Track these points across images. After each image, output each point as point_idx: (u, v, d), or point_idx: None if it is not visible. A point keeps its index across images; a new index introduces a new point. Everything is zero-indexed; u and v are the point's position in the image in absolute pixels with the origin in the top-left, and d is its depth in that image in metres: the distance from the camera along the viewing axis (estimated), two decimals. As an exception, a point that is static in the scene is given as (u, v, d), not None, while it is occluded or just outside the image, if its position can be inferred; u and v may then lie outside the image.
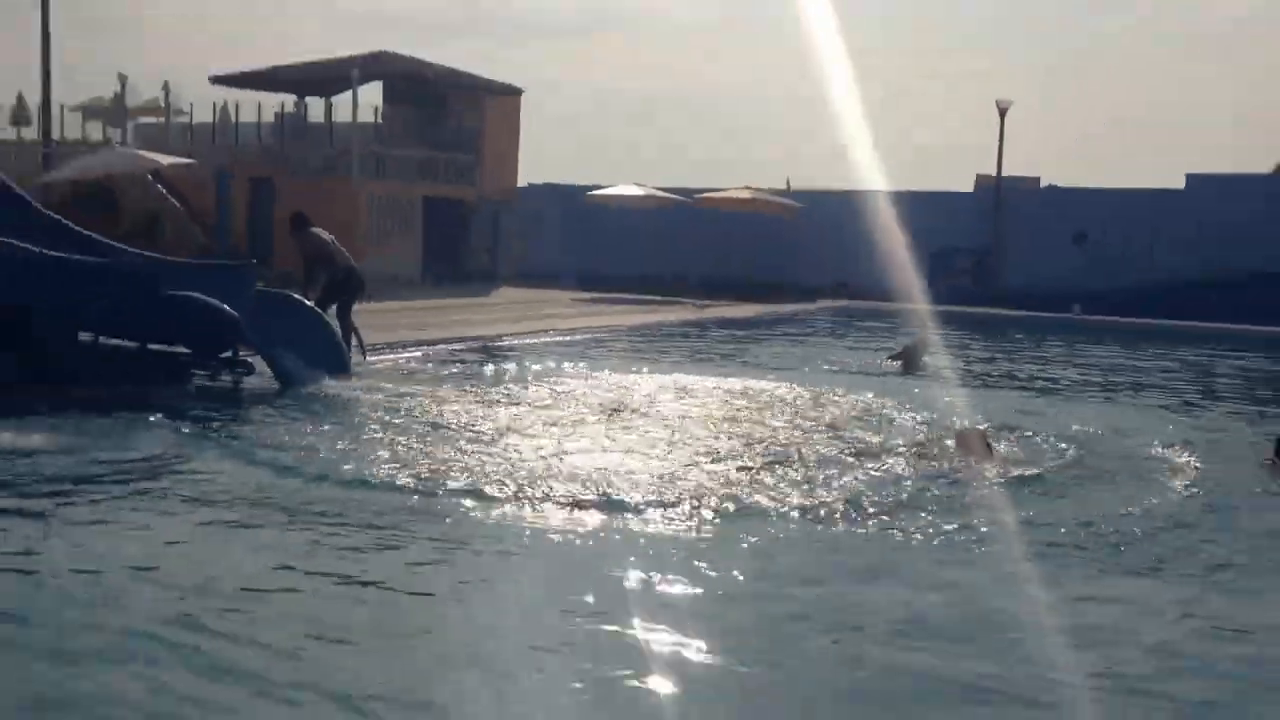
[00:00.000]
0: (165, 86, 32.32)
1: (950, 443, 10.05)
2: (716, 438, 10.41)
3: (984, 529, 7.62)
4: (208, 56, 73.74)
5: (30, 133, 31.34)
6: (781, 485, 8.56)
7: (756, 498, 8.18)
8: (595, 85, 75.22)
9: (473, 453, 9.37)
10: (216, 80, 33.02)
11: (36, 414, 9.99)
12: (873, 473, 9.09)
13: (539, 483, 8.37)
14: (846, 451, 9.90)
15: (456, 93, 32.76)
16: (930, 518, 7.79)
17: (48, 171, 26.19)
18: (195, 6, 71.27)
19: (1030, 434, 10.91)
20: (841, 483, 8.72)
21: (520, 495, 8.04)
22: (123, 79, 32.79)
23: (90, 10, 63.33)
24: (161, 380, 12.41)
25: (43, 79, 29.15)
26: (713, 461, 9.37)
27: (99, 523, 7.29)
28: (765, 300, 27.60)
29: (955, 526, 7.61)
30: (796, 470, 9.10)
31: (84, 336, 13.14)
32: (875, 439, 10.51)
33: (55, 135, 30.24)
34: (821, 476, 8.88)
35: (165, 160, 25.23)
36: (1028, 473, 9.27)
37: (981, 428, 10.53)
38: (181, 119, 32.35)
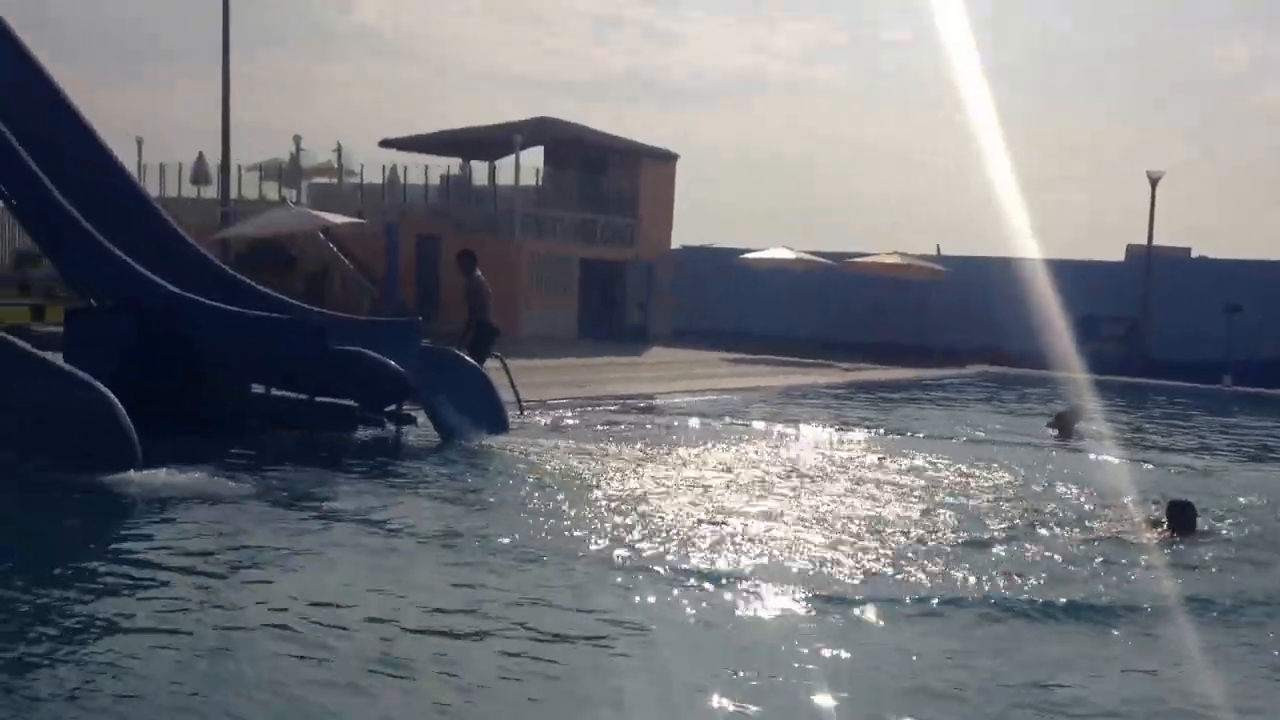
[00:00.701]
0: (338, 148, 33.70)
1: (1143, 518, 9.48)
2: (880, 506, 10.01)
3: (1171, 605, 7.09)
4: (378, 119, 76.98)
5: (210, 191, 32.94)
6: (955, 562, 8.12)
7: (931, 574, 7.76)
8: (749, 147, 75.64)
9: (629, 512, 9.20)
10: (386, 143, 34.22)
11: (212, 463, 10.25)
12: (1059, 549, 8.56)
13: (698, 548, 8.15)
14: (1023, 524, 9.40)
15: (615, 156, 33.23)
16: (1123, 596, 7.28)
17: (226, 228, 27.39)
18: (367, 72, 74.54)
19: (1201, 506, 10.25)
20: (1023, 558, 8.23)
21: (681, 561, 7.81)
22: (298, 141, 34.26)
23: (268, 75, 66.87)
24: (329, 431, 12.66)
25: (223, 140, 30.66)
26: (880, 534, 8.98)
27: (282, 565, 7.41)
28: (912, 364, 26.99)
29: (1148, 608, 7.10)
30: (970, 545, 8.64)
31: (256, 388, 13.53)
32: (1057, 510, 9.98)
33: (233, 194, 31.71)
34: (999, 554, 8.40)
35: (337, 219, 26.12)
36: (1209, 546, 8.71)
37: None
38: (353, 179, 33.58)
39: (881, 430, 15.48)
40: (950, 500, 10.40)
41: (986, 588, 7.48)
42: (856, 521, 9.34)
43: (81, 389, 9.82)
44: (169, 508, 8.79)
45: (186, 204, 31.63)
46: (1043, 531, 9.20)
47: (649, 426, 14.86)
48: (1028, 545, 8.71)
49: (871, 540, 8.72)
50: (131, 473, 9.43)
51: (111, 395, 9.80)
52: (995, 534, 9.07)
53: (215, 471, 9.92)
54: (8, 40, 13.97)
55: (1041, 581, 7.68)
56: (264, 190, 34.74)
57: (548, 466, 11.29)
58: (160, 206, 15.22)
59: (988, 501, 10.43)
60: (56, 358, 11.18)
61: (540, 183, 32.49)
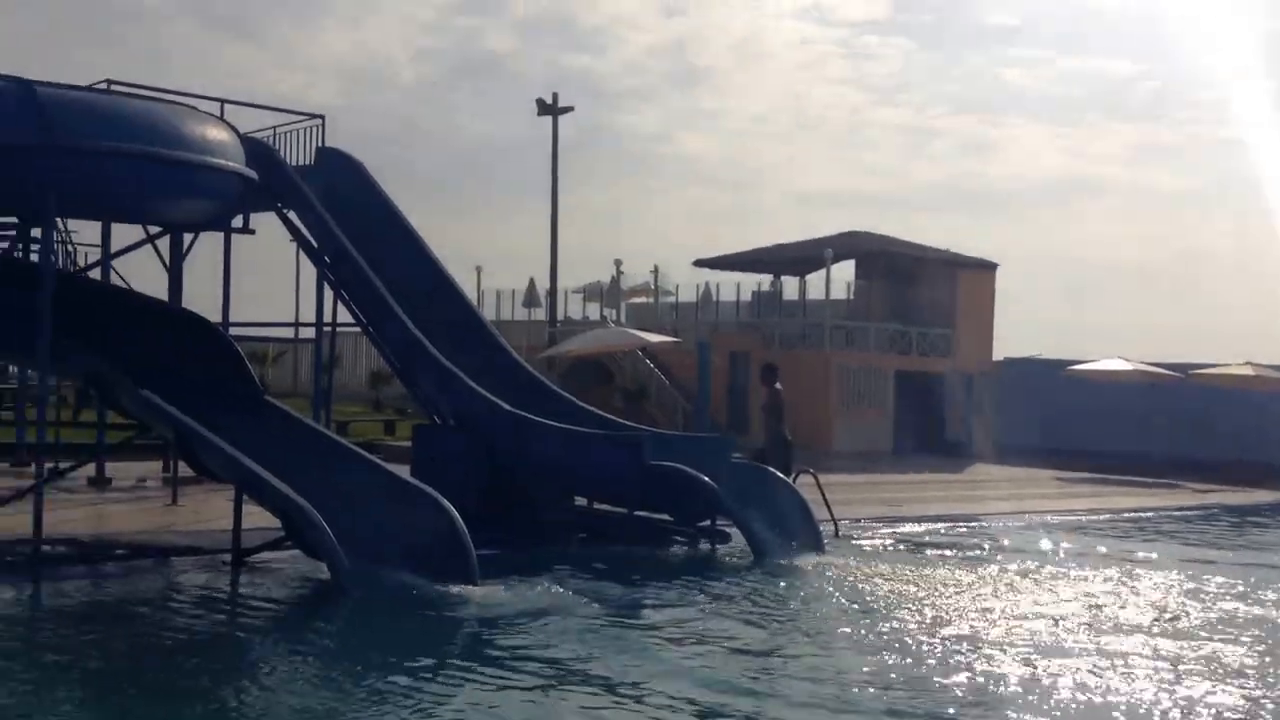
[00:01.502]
0: (654, 270, 35.03)
1: None
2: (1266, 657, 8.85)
3: None
4: (693, 240, 79.63)
5: (539, 313, 34.99)
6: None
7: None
8: (1073, 255, 72.40)
9: (961, 647, 8.67)
10: (700, 263, 35.25)
11: (540, 576, 10.65)
12: None
13: (1050, 698, 7.47)
14: None
15: (929, 267, 32.69)
16: None
17: (552, 347, 28.90)
18: (684, 197, 77.46)
19: None
20: None
21: (1026, 712, 7.22)
22: (618, 264, 35.93)
23: (593, 204, 70.72)
24: (645, 545, 12.89)
25: (550, 266, 32.65)
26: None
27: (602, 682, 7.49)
28: (1273, 486, 24.36)
29: None
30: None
31: (578, 501, 14.04)
32: None
33: (559, 315, 33.52)
34: None
35: (653, 338, 27.00)
36: None
37: None
38: (668, 299, 34.73)
39: (1260, 564, 13.81)
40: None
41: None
42: (1248, 674, 8.26)
43: (428, 505, 10.45)
44: (506, 621, 9.13)
45: (518, 326, 33.70)
46: None
47: (976, 551, 13.97)
48: None
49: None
50: (471, 587, 9.88)
51: (454, 511, 10.37)
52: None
53: (543, 584, 10.28)
54: (368, 186, 15.55)
55: None
56: (587, 311, 36.52)
57: (866, 590, 10.93)
58: (495, 330, 16.31)
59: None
60: (404, 471, 12.06)
61: (851, 296, 32.38)
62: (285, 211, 14.32)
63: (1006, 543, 14.63)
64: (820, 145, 76.72)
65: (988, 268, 33.48)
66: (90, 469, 14.91)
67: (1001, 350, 34.73)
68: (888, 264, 32.47)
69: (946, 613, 10.04)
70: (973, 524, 16.58)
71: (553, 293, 33.22)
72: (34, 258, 13.04)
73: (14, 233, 13.12)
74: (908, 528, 15.64)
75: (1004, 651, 8.57)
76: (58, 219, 12.33)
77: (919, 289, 32.54)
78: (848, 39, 76.84)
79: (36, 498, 10.31)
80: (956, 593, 10.97)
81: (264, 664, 7.88)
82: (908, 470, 24.40)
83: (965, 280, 32.67)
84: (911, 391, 30.88)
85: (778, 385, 15.65)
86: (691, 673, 7.83)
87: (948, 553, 13.65)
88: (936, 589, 11.08)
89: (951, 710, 7.18)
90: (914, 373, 31.06)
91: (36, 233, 11.69)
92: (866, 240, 32.69)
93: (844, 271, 33.25)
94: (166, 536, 11.73)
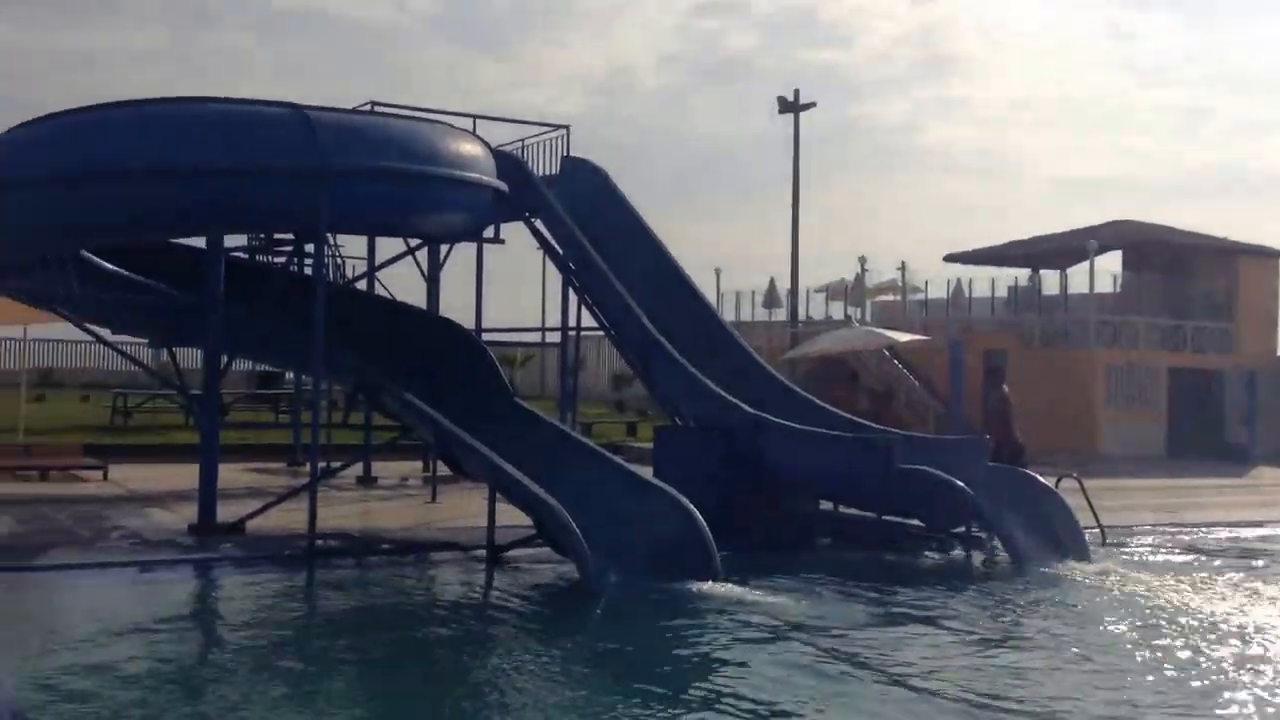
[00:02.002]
0: (901, 267, 34.09)
1: None
2: None
3: None
4: (942, 235, 77.32)
5: (780, 314, 34.71)
6: None
7: None
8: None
9: (1252, 671, 7.95)
10: (951, 258, 34.11)
11: (784, 577, 10.54)
12: None
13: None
14: None
15: (1204, 256, 30.50)
16: None
17: (794, 348, 28.61)
18: (933, 190, 75.33)
19: None
20: None
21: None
22: (862, 261, 35.17)
23: (835, 201, 69.78)
24: (895, 551, 12.53)
25: (792, 266, 32.34)
26: None
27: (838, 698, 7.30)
28: None
29: None
30: None
31: (824, 505, 13.79)
32: None
33: (801, 315, 33.17)
34: None
35: (901, 336, 26.29)
36: None
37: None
38: (916, 297, 33.77)
39: None
40: None
41: None
42: None
43: (670, 505, 10.56)
44: (745, 620, 9.05)
45: (759, 327, 33.58)
46: None
47: (1259, 561, 12.89)
48: None
49: None
50: (711, 584, 9.92)
51: (695, 511, 10.44)
52: None
53: (786, 587, 10.16)
54: (611, 193, 15.83)
55: None
56: (830, 310, 36.00)
57: (1133, 601, 10.24)
58: (735, 331, 16.27)
59: None
60: (646, 471, 12.19)
61: (1118, 288, 30.58)
62: (533, 220, 14.75)
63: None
64: (1081, 130, 73.07)
65: (1271, 256, 30.91)
66: (358, 468, 15.81)
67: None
68: (1158, 254, 30.49)
69: (1228, 628, 9.26)
70: (1256, 532, 15.29)
71: (794, 292, 32.91)
72: (308, 271, 14.01)
73: (290, 249, 14.08)
74: (1183, 535, 14.57)
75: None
76: (329, 234, 13.08)
77: (1194, 280, 30.42)
78: (1111, 17, 72.82)
79: (311, 495, 11.00)
80: (1238, 607, 10.11)
81: (517, 657, 8.09)
82: (1183, 474, 22.77)
83: (1246, 269, 30.30)
84: (1186, 390, 28.83)
85: (1005, 388, 15.07)
86: (962, 674, 7.52)
87: (1228, 563, 12.63)
88: (1215, 601, 10.25)
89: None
90: (1189, 370, 28.99)
91: (310, 248, 12.45)
92: (1134, 229, 30.81)
93: (1109, 263, 31.48)
94: (426, 532, 12.29)
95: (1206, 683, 7.62)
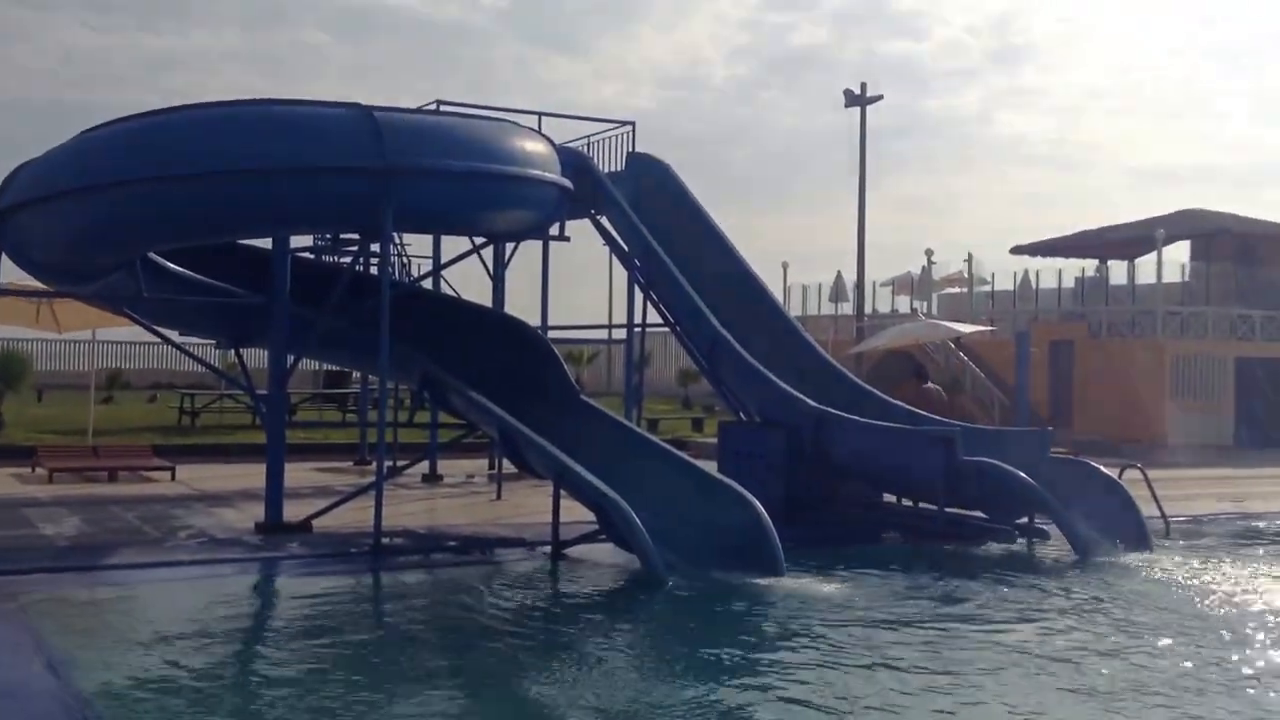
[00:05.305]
0: (968, 258, 33.78)
1: None
2: None
3: None
4: (1010, 227, 76.34)
5: (846, 308, 34.59)
6: None
7: None
8: None
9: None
10: (1018, 250, 33.77)
11: (848, 571, 10.63)
12: None
13: None
14: None
15: (1273, 245, 29.87)
16: None
17: (861, 342, 28.51)
18: (1002, 181, 74.40)
19: None
20: None
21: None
22: (929, 254, 34.90)
23: (901, 192, 69.24)
24: (959, 543, 12.50)
25: (858, 260, 32.21)
26: None
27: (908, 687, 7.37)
28: None
29: None
30: None
31: (887, 497, 13.80)
32: None
33: (867, 309, 33.01)
34: None
35: (967, 328, 26.11)
36: None
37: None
38: (983, 288, 33.46)
39: None
40: None
41: None
42: None
43: (736, 501, 10.63)
44: (814, 613, 9.11)
45: (824, 321, 33.48)
46: None
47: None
48: None
49: None
50: (777, 580, 9.97)
51: (760, 506, 10.51)
52: None
53: (850, 580, 10.22)
54: (676, 188, 15.92)
55: None
56: (896, 303, 35.78)
57: (1206, 593, 10.17)
58: (800, 326, 16.29)
59: None
60: (711, 467, 12.28)
61: (1186, 278, 30.07)
62: (598, 217, 14.85)
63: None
64: (1159, 118, 71.71)
65: (1347, 241, 30.23)
66: (424, 466, 16.04)
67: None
68: (1227, 242, 29.93)
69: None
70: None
71: (860, 286, 32.78)
72: (374, 271, 14.27)
73: (356, 248, 14.36)
74: (1249, 525, 14.39)
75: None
76: (394, 234, 13.28)
77: (1265, 269, 29.81)
78: (1187, 2, 71.33)
79: (377, 493, 11.16)
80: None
81: (586, 653, 8.21)
82: (1251, 465, 22.38)
83: (1318, 257, 29.67)
84: (1255, 380, 28.32)
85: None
86: (1024, 670, 7.56)
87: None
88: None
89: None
90: (1258, 359, 28.47)
91: (375, 247, 12.68)
92: (1203, 218, 30.31)
93: (1177, 253, 30.98)
94: (491, 529, 12.45)
95: (1245, 668, 7.58)
